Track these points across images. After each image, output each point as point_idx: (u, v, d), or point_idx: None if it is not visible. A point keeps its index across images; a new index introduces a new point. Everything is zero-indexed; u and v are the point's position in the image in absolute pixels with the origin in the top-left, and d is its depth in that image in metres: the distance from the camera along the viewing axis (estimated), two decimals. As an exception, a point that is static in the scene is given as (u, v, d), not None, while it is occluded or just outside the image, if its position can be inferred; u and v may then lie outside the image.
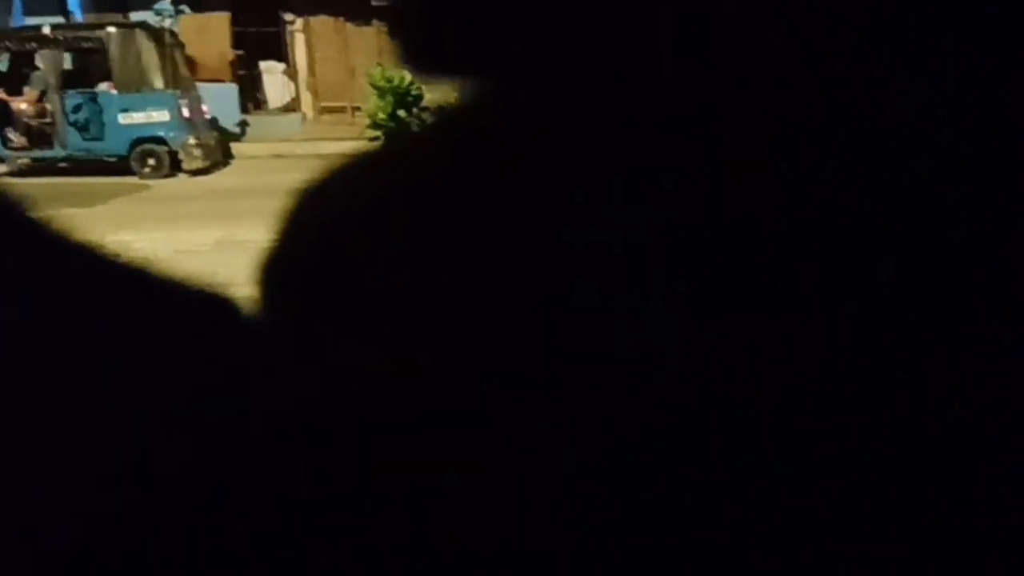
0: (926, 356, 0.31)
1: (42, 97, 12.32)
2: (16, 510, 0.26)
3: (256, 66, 15.28)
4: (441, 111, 0.39)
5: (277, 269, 0.38)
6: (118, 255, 0.31)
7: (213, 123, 12.75)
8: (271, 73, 15.54)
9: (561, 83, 0.34)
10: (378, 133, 10.67)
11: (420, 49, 0.39)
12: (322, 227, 0.38)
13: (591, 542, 0.32)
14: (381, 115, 11.42)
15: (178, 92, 12.09)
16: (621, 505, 0.32)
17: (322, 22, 15.04)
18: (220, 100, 13.44)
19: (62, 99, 12.11)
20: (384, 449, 0.32)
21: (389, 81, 11.48)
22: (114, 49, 11.91)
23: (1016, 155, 0.31)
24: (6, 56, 12.37)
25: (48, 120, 12.15)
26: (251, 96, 15.15)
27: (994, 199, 0.31)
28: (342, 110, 14.99)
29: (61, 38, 12.31)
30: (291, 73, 15.48)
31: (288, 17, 15.13)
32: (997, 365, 0.30)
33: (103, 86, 12.05)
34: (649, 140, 0.32)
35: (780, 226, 0.31)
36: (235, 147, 13.24)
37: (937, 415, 0.31)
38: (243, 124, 14.27)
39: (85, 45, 12.34)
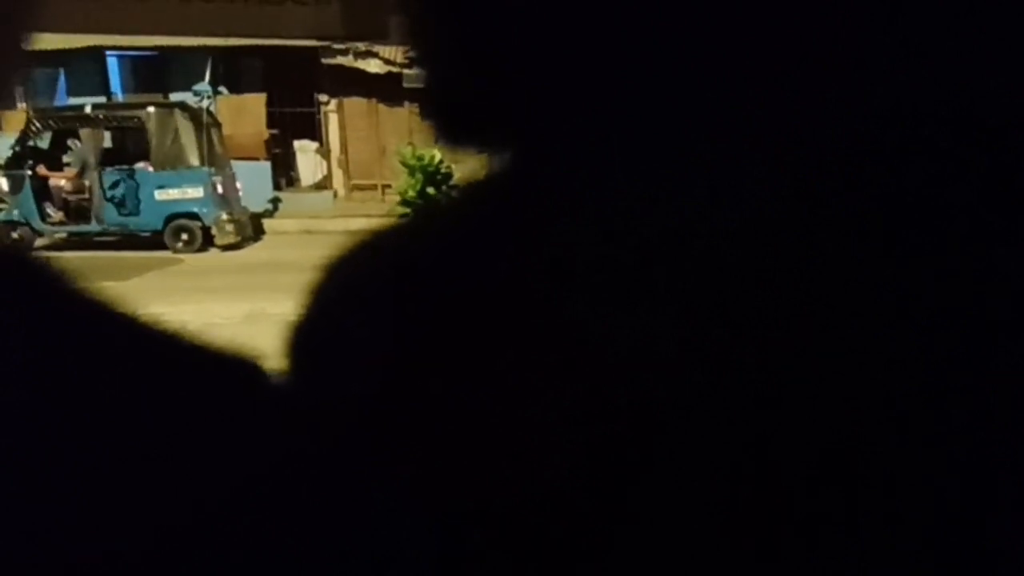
0: (926, 356, 0.30)
1: (81, 173, 12.59)
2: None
3: (290, 145, 15.60)
4: (467, 187, 0.39)
5: (305, 342, 0.39)
6: (150, 326, 0.32)
7: (246, 199, 12.97)
8: (304, 152, 15.85)
9: (587, 159, 0.35)
10: (407, 210, 10.77)
11: (450, 128, 0.40)
12: (349, 301, 0.39)
13: (589, 543, 0.32)
14: (411, 193, 11.57)
15: (212, 170, 12.32)
16: (619, 508, 0.32)
17: (355, 103, 15.38)
18: (254, 177, 13.68)
19: (100, 176, 12.38)
20: (386, 454, 0.33)
21: (419, 160, 11.65)
22: (153, 128, 12.18)
23: (1016, 155, 0.31)
24: (48, 133, 12.68)
25: (86, 196, 12.39)
26: (284, 173, 15.42)
27: (994, 199, 0.31)
28: (373, 188, 15.22)
29: (102, 117, 12.63)
30: (324, 152, 15.78)
31: (322, 98, 15.50)
32: (997, 365, 0.30)
33: (140, 165, 12.32)
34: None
35: (779, 227, 0.31)
36: (267, 223, 13.44)
37: (937, 415, 0.30)
38: (276, 201, 14.50)
39: (125, 124, 12.65)
